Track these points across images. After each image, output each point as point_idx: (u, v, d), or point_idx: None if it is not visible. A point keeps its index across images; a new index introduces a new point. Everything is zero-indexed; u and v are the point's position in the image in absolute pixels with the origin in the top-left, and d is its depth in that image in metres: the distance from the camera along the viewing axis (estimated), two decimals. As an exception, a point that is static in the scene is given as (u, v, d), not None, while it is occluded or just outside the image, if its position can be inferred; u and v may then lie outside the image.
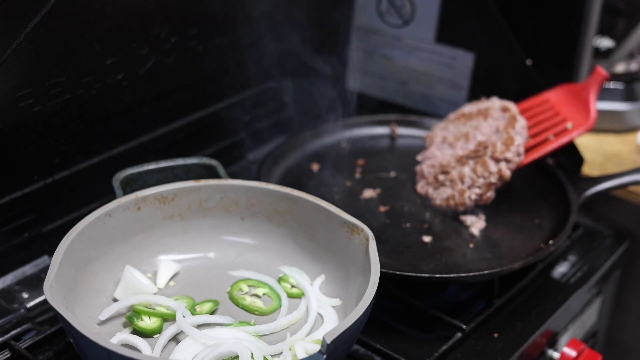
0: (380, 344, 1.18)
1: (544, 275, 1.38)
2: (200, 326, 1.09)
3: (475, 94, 1.62)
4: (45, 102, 1.24)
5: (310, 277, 1.18)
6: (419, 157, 1.47)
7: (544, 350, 1.31)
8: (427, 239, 1.33)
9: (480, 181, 1.34)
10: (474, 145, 1.38)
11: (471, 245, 1.32)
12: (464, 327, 1.20)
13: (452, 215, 1.39)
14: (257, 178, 1.37)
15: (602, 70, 1.41)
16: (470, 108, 1.47)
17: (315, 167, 1.50)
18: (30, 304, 1.24)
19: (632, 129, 1.76)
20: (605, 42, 1.72)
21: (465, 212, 1.39)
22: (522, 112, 1.42)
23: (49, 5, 1.12)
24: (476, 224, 1.36)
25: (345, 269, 1.14)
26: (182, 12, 1.42)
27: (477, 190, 1.34)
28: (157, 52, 1.39)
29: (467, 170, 1.36)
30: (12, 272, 1.29)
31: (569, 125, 1.41)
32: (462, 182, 1.35)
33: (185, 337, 1.06)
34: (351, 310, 0.97)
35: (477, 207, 1.41)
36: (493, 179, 1.34)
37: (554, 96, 1.46)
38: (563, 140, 1.39)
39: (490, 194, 1.35)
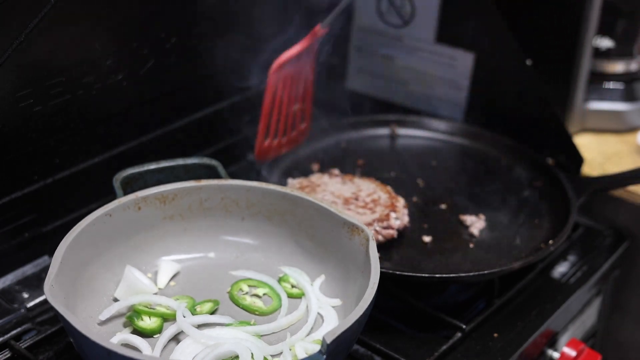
0: (380, 344, 1.18)
1: (544, 275, 1.38)
2: (200, 326, 1.09)
3: (475, 94, 1.62)
4: (46, 102, 1.24)
5: (311, 277, 1.18)
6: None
7: (544, 350, 1.31)
8: (427, 239, 1.33)
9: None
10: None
11: (471, 245, 1.32)
12: (464, 327, 1.21)
13: (452, 215, 1.39)
14: (257, 178, 1.37)
15: (318, 27, 1.36)
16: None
17: (315, 167, 1.50)
18: (31, 304, 1.24)
19: (631, 129, 1.76)
20: (605, 42, 1.72)
21: (466, 212, 1.39)
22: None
23: (49, 5, 1.12)
24: (476, 224, 1.36)
25: (346, 269, 1.14)
26: (182, 12, 1.42)
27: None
28: (157, 52, 1.39)
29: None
30: (13, 272, 1.29)
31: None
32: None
33: (186, 337, 1.07)
34: (351, 310, 0.97)
35: (477, 207, 1.41)
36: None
37: (280, 76, 1.37)
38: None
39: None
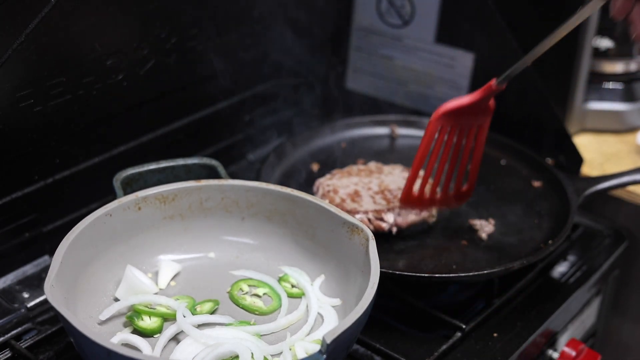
0: (380, 344, 1.18)
1: (544, 275, 1.38)
2: (200, 326, 1.09)
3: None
4: (46, 103, 1.25)
5: (311, 277, 1.19)
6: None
7: (544, 349, 1.31)
8: (427, 238, 1.33)
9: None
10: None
11: (471, 246, 1.32)
12: (464, 326, 1.21)
13: (452, 215, 1.39)
14: (258, 178, 1.37)
15: (493, 83, 1.26)
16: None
17: (315, 167, 1.51)
18: (31, 304, 1.24)
19: (631, 129, 1.76)
20: (605, 42, 1.72)
21: (465, 211, 1.39)
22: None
23: (49, 5, 1.12)
24: (485, 228, 1.35)
25: (345, 269, 1.14)
26: (182, 12, 1.42)
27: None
28: (157, 52, 1.39)
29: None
30: (13, 272, 1.30)
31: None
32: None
33: (186, 337, 1.07)
34: (351, 310, 0.97)
35: (476, 207, 1.41)
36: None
37: (448, 120, 1.28)
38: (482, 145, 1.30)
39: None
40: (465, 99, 1.26)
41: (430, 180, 1.34)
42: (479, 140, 1.31)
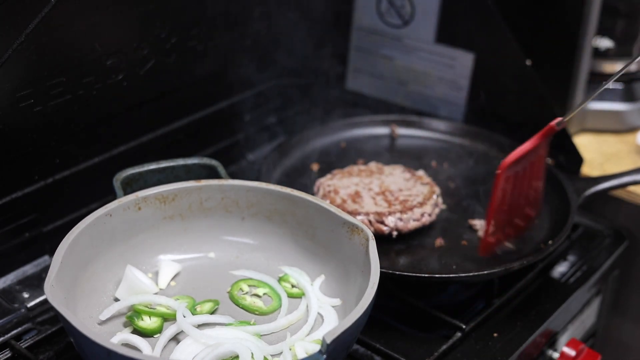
0: (380, 344, 1.18)
1: (544, 275, 1.38)
2: (200, 326, 1.09)
3: (475, 94, 1.62)
4: (46, 103, 1.25)
5: (311, 277, 1.19)
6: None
7: (544, 350, 1.31)
8: (427, 238, 1.33)
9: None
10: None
11: (470, 246, 1.32)
12: (464, 326, 1.21)
13: (452, 215, 1.39)
14: (258, 178, 1.37)
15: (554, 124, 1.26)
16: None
17: (315, 167, 1.51)
18: (31, 304, 1.24)
19: (631, 129, 1.76)
20: (605, 42, 1.72)
21: (466, 212, 1.39)
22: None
23: (49, 5, 1.12)
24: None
25: (345, 269, 1.14)
26: (182, 12, 1.42)
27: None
28: (157, 52, 1.39)
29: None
30: (13, 272, 1.30)
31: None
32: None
33: (186, 337, 1.07)
34: (351, 310, 0.97)
35: (476, 207, 1.41)
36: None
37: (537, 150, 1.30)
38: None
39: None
40: (526, 146, 1.26)
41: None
42: (537, 177, 1.31)
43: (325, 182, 1.40)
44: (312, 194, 1.35)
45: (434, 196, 1.36)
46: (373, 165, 1.48)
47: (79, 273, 1.08)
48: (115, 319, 1.10)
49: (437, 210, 1.36)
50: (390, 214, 1.31)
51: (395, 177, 1.42)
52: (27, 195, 1.28)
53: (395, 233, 1.31)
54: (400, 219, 1.31)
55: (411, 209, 1.32)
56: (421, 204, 1.34)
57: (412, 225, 1.32)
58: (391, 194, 1.37)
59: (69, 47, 1.25)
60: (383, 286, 1.05)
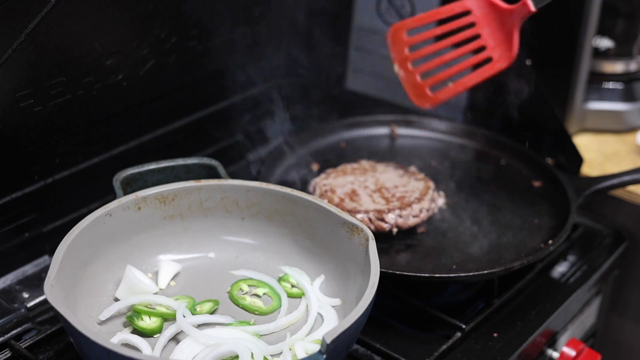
0: (380, 344, 1.18)
1: (544, 275, 1.38)
2: (200, 326, 1.09)
3: (475, 94, 1.62)
4: (46, 102, 1.25)
5: (311, 277, 1.19)
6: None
7: (544, 349, 1.31)
8: (427, 238, 1.33)
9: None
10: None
11: (471, 245, 1.32)
12: (464, 326, 1.21)
13: (452, 215, 1.39)
14: (257, 178, 1.37)
15: (529, 4, 1.26)
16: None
17: (315, 167, 1.51)
18: (31, 304, 1.24)
19: (631, 129, 1.76)
20: (605, 42, 1.72)
21: (466, 212, 1.39)
22: (441, 20, 1.31)
23: (49, 5, 1.12)
24: (485, 228, 1.36)
25: (345, 269, 1.14)
26: (182, 12, 1.42)
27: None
28: (157, 52, 1.39)
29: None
30: (13, 272, 1.30)
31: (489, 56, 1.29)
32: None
33: (186, 337, 1.07)
34: (351, 310, 0.97)
35: (477, 207, 1.41)
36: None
37: (477, 9, 1.29)
38: (483, 75, 1.27)
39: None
40: (516, 39, 1.26)
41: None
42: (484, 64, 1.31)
43: (321, 182, 1.40)
44: (309, 194, 1.36)
45: (430, 191, 1.37)
46: (365, 163, 1.48)
47: (79, 273, 1.08)
48: (115, 319, 1.10)
49: (434, 206, 1.36)
50: (389, 210, 1.31)
51: (389, 174, 1.43)
52: (27, 195, 1.28)
53: (395, 230, 1.31)
54: (400, 216, 1.31)
55: (410, 205, 1.32)
56: (419, 200, 1.34)
57: (412, 221, 1.32)
58: (387, 191, 1.37)
59: (69, 47, 1.25)
60: (383, 286, 1.05)
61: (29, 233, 1.30)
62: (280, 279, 1.19)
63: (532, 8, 1.26)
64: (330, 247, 1.17)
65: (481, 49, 1.29)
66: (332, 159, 1.53)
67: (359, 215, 1.30)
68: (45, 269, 1.31)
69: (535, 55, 1.55)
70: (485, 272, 1.21)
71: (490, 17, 1.29)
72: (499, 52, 1.28)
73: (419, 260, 1.29)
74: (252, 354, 1.03)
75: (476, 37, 1.31)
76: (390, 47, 1.35)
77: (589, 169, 1.61)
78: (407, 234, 1.33)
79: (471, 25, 1.31)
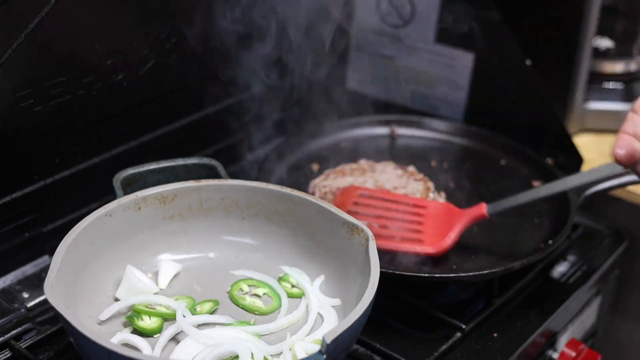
0: (380, 344, 1.18)
1: (544, 275, 1.38)
2: (200, 326, 1.09)
3: (475, 94, 1.62)
4: (46, 103, 1.25)
5: (311, 277, 1.19)
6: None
7: (544, 350, 1.31)
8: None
9: None
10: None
11: (471, 245, 1.32)
12: (464, 326, 1.21)
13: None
14: (257, 178, 1.37)
15: (484, 209, 1.28)
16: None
17: (315, 167, 1.51)
18: (31, 304, 1.24)
19: (631, 129, 1.76)
20: (605, 42, 1.72)
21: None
22: (397, 200, 1.33)
23: (49, 5, 1.12)
24: (484, 227, 1.35)
25: (345, 269, 1.14)
26: (182, 12, 1.42)
27: None
28: (157, 52, 1.39)
29: None
30: (13, 272, 1.30)
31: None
32: None
33: (186, 337, 1.07)
34: (351, 310, 0.97)
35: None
36: None
37: (433, 208, 1.32)
38: (407, 249, 1.27)
39: None
40: (454, 234, 1.27)
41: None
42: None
43: (320, 183, 1.40)
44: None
45: (430, 193, 1.37)
46: (364, 163, 1.48)
47: (79, 273, 1.08)
48: (115, 319, 1.10)
49: None
50: None
51: (388, 174, 1.42)
52: (27, 195, 1.28)
53: None
54: None
55: None
56: None
57: None
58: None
59: (69, 47, 1.25)
60: (383, 286, 1.05)
61: (29, 233, 1.30)
62: (280, 279, 1.19)
63: (486, 214, 1.28)
64: (330, 247, 1.17)
65: (417, 230, 1.30)
66: (332, 159, 1.53)
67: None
68: (45, 269, 1.31)
69: (535, 55, 1.55)
70: (485, 272, 1.21)
71: (440, 214, 1.31)
72: (431, 240, 1.28)
73: (419, 261, 1.28)
74: (252, 354, 1.03)
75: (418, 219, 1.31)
76: (338, 195, 1.36)
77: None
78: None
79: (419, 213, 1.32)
